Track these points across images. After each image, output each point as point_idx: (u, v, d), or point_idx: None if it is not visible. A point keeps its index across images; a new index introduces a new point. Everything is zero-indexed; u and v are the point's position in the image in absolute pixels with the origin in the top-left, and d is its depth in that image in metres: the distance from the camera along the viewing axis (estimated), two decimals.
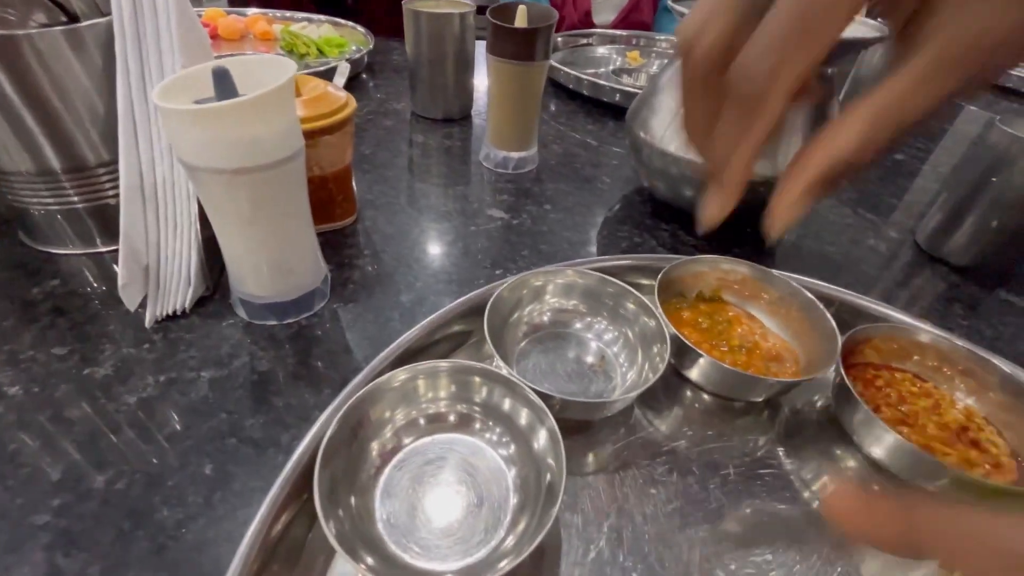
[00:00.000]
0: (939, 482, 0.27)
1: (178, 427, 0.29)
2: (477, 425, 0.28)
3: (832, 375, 0.31)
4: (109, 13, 0.34)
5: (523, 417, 0.27)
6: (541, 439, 0.26)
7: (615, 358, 0.34)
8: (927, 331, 0.32)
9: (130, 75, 0.34)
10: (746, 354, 0.33)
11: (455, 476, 0.27)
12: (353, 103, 0.41)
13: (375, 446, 0.27)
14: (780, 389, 0.31)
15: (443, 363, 0.28)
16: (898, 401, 0.31)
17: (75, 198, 0.39)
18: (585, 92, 0.78)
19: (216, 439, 0.28)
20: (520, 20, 0.50)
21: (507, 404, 0.28)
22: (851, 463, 0.31)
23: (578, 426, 0.30)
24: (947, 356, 0.31)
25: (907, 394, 0.31)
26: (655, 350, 0.31)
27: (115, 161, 0.38)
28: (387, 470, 0.26)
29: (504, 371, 0.28)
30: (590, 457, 0.29)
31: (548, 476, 0.25)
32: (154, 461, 0.27)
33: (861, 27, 0.42)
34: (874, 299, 0.38)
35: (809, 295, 0.33)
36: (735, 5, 0.18)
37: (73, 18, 0.35)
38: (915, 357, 0.32)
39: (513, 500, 0.26)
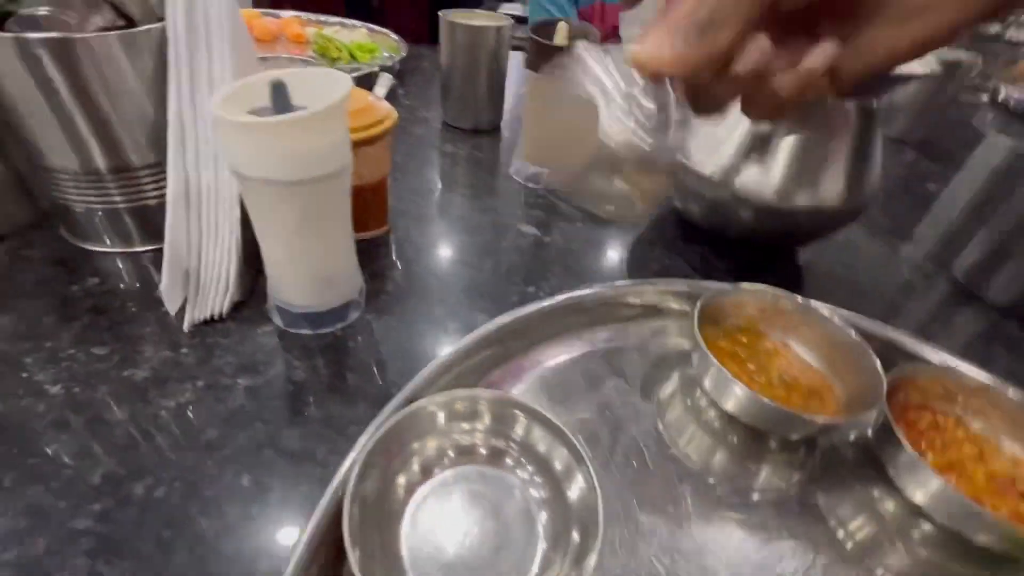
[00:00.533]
0: (987, 536, 0.26)
1: (216, 435, 0.29)
2: (510, 461, 0.27)
3: (874, 414, 0.31)
4: (163, 18, 0.35)
5: (560, 461, 0.26)
6: (577, 488, 0.25)
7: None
8: (975, 375, 0.31)
9: (181, 81, 0.35)
10: (785, 388, 0.32)
11: (481, 513, 0.26)
12: (394, 115, 0.42)
13: (402, 479, 0.26)
14: (821, 429, 0.30)
15: (484, 393, 0.27)
16: (942, 446, 0.30)
17: (117, 198, 0.39)
18: None
19: (253, 450, 0.28)
20: (560, 38, 0.50)
21: (544, 445, 0.27)
22: (890, 506, 0.30)
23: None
24: (995, 402, 0.31)
25: (951, 440, 0.30)
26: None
27: (158, 163, 0.39)
28: (413, 502, 0.26)
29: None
30: (620, 490, 0.29)
31: (581, 528, 0.24)
32: (192, 469, 0.27)
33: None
34: (917, 337, 0.37)
35: (853, 333, 0.33)
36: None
37: (130, 21, 0.36)
38: (961, 400, 0.32)
39: (542, 546, 0.25)
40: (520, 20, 2.21)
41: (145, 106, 0.36)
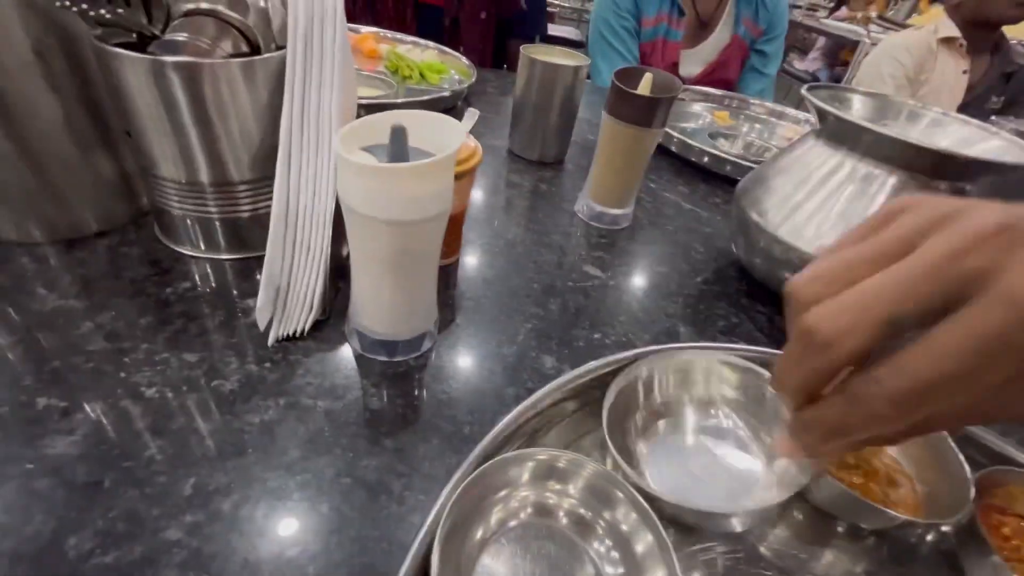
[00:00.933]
0: None
1: (297, 456, 0.30)
2: (588, 531, 0.27)
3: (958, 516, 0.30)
4: (283, 46, 0.37)
5: (642, 544, 0.26)
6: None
7: (746, 462, 0.33)
8: None
9: (293, 106, 0.36)
10: (863, 475, 0.31)
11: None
12: (480, 152, 0.43)
13: (480, 531, 0.26)
14: (900, 525, 0.29)
15: (589, 462, 0.27)
16: None
17: (212, 208, 0.41)
18: (674, 149, 0.78)
19: (332, 477, 0.29)
20: (644, 87, 0.50)
21: (629, 525, 0.26)
22: None
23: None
24: None
25: None
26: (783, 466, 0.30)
27: (255, 180, 0.41)
28: (485, 557, 0.26)
29: (609, 460, 0.28)
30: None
31: None
32: (276, 490, 0.28)
33: (1011, 147, 0.41)
34: (1004, 436, 0.36)
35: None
36: (884, 322, 0.17)
37: (254, 47, 0.38)
38: None
39: None
40: (574, 44, 2.23)
41: (252, 128, 0.38)
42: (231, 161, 0.39)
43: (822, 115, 0.44)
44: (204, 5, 0.34)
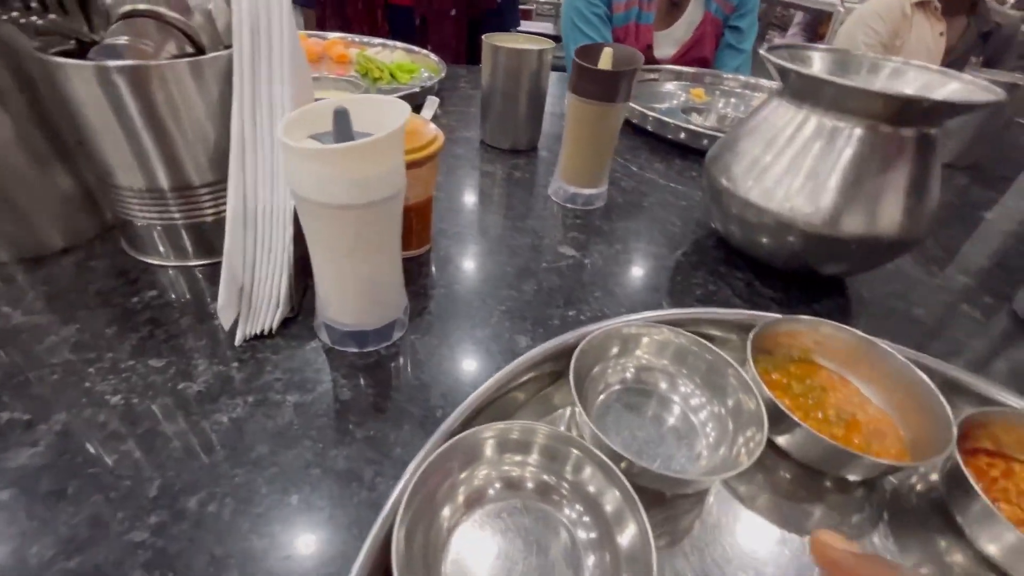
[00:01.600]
0: None
1: (266, 451, 0.29)
2: (557, 498, 0.27)
3: (942, 459, 0.29)
4: (229, 45, 0.36)
5: (611, 504, 0.25)
6: (628, 534, 0.24)
7: (701, 427, 0.32)
8: None
9: (243, 105, 0.36)
10: (845, 427, 0.31)
11: (526, 550, 0.25)
12: (441, 138, 0.42)
13: (447, 510, 0.26)
14: (885, 471, 0.29)
15: (541, 427, 0.27)
16: (1018, 497, 0.28)
17: (176, 214, 0.41)
18: (650, 128, 0.78)
19: (302, 468, 0.29)
20: (605, 62, 0.50)
21: (595, 485, 0.26)
22: (959, 557, 0.28)
23: (651, 490, 0.29)
24: None
25: None
26: (750, 433, 0.29)
27: (216, 182, 0.40)
28: (457, 535, 0.25)
29: (585, 427, 0.28)
30: (666, 526, 0.28)
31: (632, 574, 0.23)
32: (243, 485, 0.27)
33: (970, 88, 0.41)
34: (977, 375, 0.35)
35: (919, 372, 0.31)
36: None
37: (199, 48, 0.37)
38: None
39: None
40: (552, 38, 2.23)
41: (207, 128, 0.38)
42: (190, 164, 0.39)
43: (783, 74, 0.43)
44: (142, 6, 0.34)
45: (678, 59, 1.25)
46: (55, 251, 0.42)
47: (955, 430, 0.28)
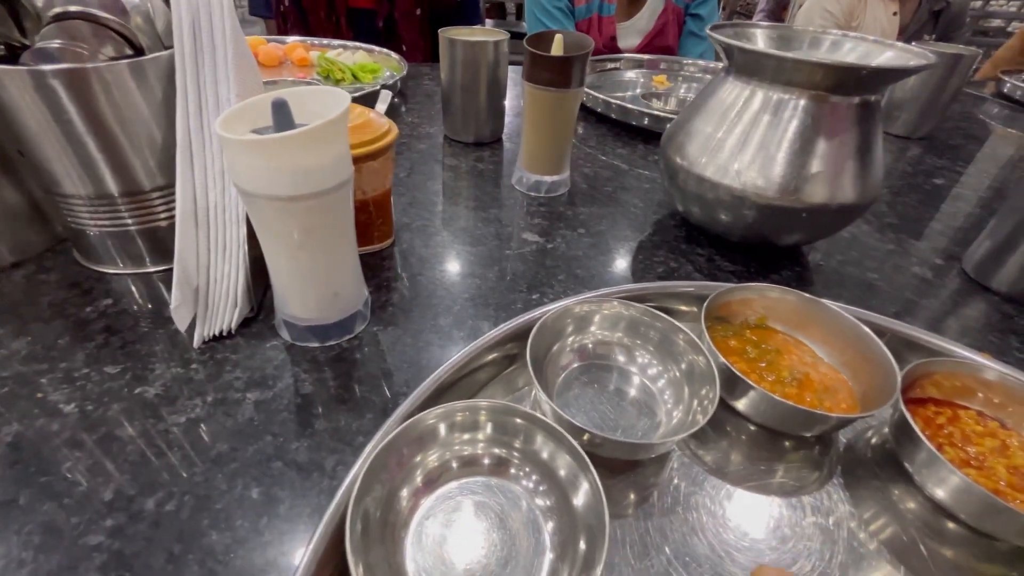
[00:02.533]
0: (1011, 532, 0.25)
1: (226, 448, 0.29)
2: (513, 470, 0.27)
3: (890, 410, 0.30)
4: (171, 46, 0.36)
5: (564, 467, 0.26)
6: (582, 494, 0.25)
7: (660, 394, 0.33)
8: (993, 367, 0.31)
9: (188, 104, 0.36)
10: (797, 386, 0.32)
11: (487, 525, 0.25)
12: (395, 130, 0.42)
13: (406, 492, 0.26)
14: (835, 425, 0.30)
15: (483, 402, 0.27)
16: (962, 441, 0.29)
17: (129, 220, 0.40)
18: (613, 116, 0.79)
19: (262, 462, 0.28)
20: (556, 48, 0.50)
21: (547, 452, 0.26)
22: (911, 504, 0.29)
23: (618, 462, 0.30)
24: (1015, 394, 0.30)
25: (971, 433, 0.29)
26: (704, 391, 0.30)
27: (168, 186, 0.40)
28: (417, 516, 0.25)
29: (545, 404, 0.28)
30: (630, 495, 0.28)
31: (588, 535, 0.23)
32: (202, 483, 0.27)
33: (904, 55, 0.42)
34: (929, 331, 0.36)
35: (863, 327, 0.32)
36: None
37: (138, 51, 0.37)
38: (980, 394, 0.31)
39: (550, 556, 0.24)
40: (519, 36, 2.24)
41: (154, 131, 0.38)
42: (139, 168, 0.38)
43: (728, 51, 0.44)
44: (73, 8, 0.33)
45: (643, 49, 1.26)
46: (3, 266, 0.41)
47: (900, 381, 0.29)
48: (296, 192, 0.28)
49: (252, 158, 0.27)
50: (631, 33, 1.27)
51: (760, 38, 0.48)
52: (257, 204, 0.30)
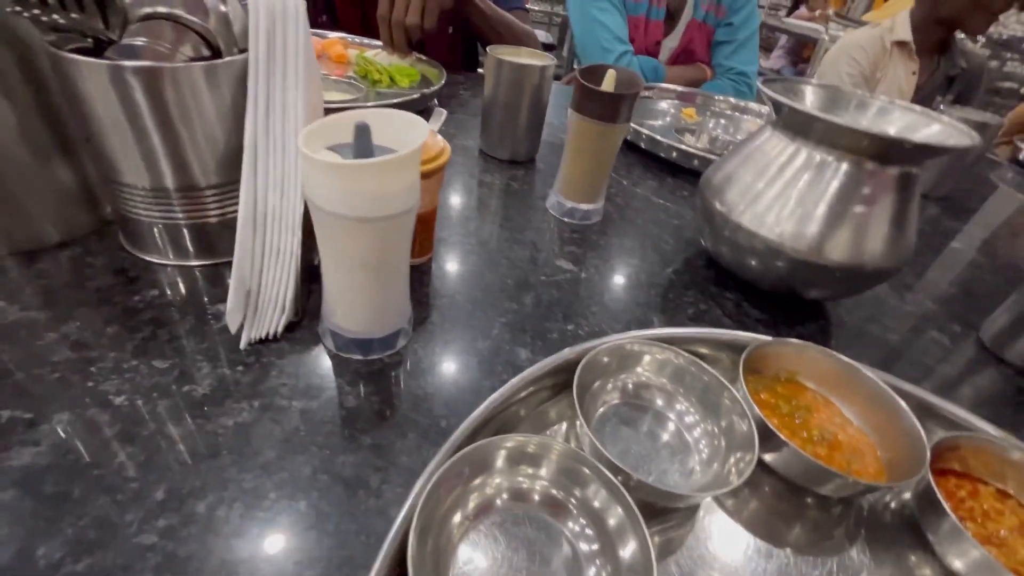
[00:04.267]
0: None
1: (273, 456, 0.30)
2: (563, 511, 0.28)
3: (916, 480, 0.31)
4: (245, 49, 0.37)
5: (614, 519, 0.26)
6: (629, 548, 0.25)
7: (695, 444, 0.34)
8: (1018, 446, 0.32)
9: (258, 109, 0.36)
10: (827, 447, 0.33)
11: (531, 559, 0.26)
12: (448, 151, 0.43)
13: (458, 516, 0.26)
14: (863, 490, 0.31)
15: (556, 444, 0.28)
16: (982, 516, 0.30)
17: (180, 214, 0.41)
18: (643, 146, 0.80)
19: (309, 474, 0.29)
20: (608, 84, 0.52)
21: (600, 501, 0.27)
22: (927, 572, 0.30)
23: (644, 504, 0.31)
24: None
25: (991, 510, 0.31)
26: (741, 454, 0.31)
27: (221, 184, 0.40)
28: (465, 541, 0.26)
29: (585, 438, 0.29)
30: (656, 538, 0.29)
31: None
32: (252, 491, 0.28)
33: (949, 131, 0.43)
34: (950, 400, 0.38)
35: (895, 396, 0.34)
36: None
37: (215, 50, 0.38)
38: (1000, 472, 0.32)
39: None
40: (547, 47, 2.25)
41: (217, 131, 0.38)
42: (196, 166, 0.39)
43: (777, 107, 0.46)
44: (162, 9, 0.34)
45: (674, 60, 1.27)
46: (50, 245, 0.42)
47: (928, 453, 0.30)
48: (368, 215, 0.29)
49: (331, 179, 0.28)
50: (668, 44, 1.29)
51: (808, 95, 0.50)
52: (326, 220, 0.30)
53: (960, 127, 0.42)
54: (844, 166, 0.43)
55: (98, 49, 0.34)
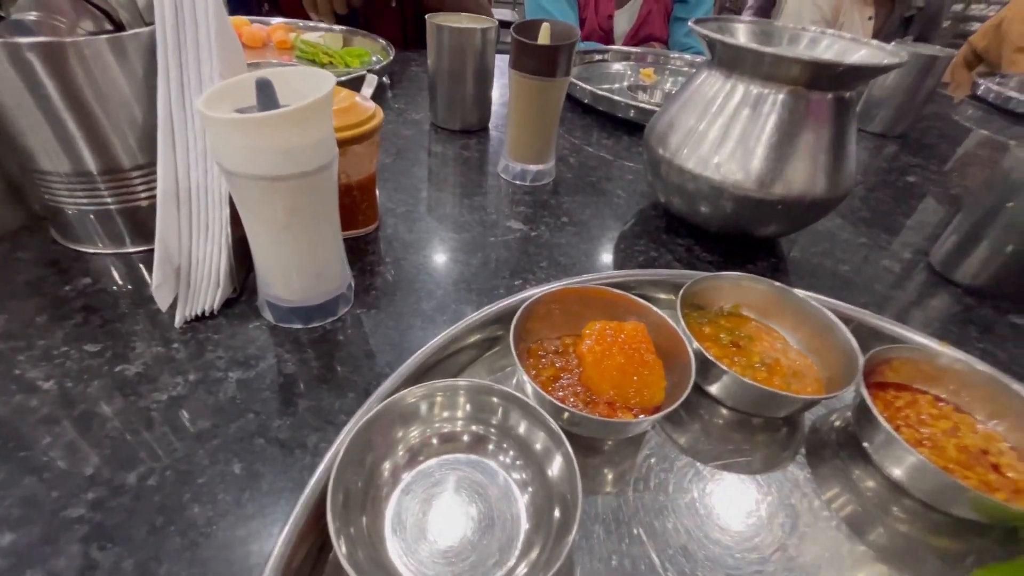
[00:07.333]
0: (959, 505, 0.27)
1: (207, 426, 0.29)
2: (491, 447, 0.28)
3: (853, 394, 0.32)
4: (152, 23, 0.35)
5: (539, 442, 0.27)
6: (556, 466, 0.26)
7: None
8: (948, 354, 0.32)
9: (170, 83, 0.35)
10: (767, 370, 0.33)
11: (466, 498, 0.26)
12: (380, 114, 0.42)
13: (387, 466, 0.26)
14: (801, 406, 0.31)
15: (461, 382, 0.28)
16: (917, 422, 0.31)
17: (108, 199, 0.40)
18: (600, 107, 0.79)
19: (244, 439, 0.29)
20: (543, 37, 0.51)
21: (523, 427, 0.27)
22: (870, 483, 0.31)
23: (593, 442, 0.31)
24: (968, 380, 0.32)
25: (926, 416, 0.31)
26: (678, 380, 0.31)
27: (148, 164, 0.39)
28: (397, 491, 0.26)
29: (528, 385, 0.29)
30: (606, 473, 0.29)
31: (562, 505, 0.24)
32: (184, 459, 0.28)
33: (878, 52, 0.43)
34: (891, 319, 0.38)
35: (830, 315, 0.34)
36: None
37: (118, 26, 0.36)
38: (935, 379, 0.33)
39: (525, 526, 0.25)
40: (508, 24, 2.22)
41: (134, 108, 0.37)
42: (119, 146, 0.38)
43: (711, 45, 0.45)
44: None
45: (631, 36, 1.27)
46: None
47: (862, 365, 0.31)
48: (279, 172, 0.29)
49: (235, 137, 0.27)
50: (622, 20, 1.28)
51: (742, 33, 0.49)
52: (240, 184, 0.30)
53: (889, 49, 0.42)
54: (780, 97, 0.42)
55: None
